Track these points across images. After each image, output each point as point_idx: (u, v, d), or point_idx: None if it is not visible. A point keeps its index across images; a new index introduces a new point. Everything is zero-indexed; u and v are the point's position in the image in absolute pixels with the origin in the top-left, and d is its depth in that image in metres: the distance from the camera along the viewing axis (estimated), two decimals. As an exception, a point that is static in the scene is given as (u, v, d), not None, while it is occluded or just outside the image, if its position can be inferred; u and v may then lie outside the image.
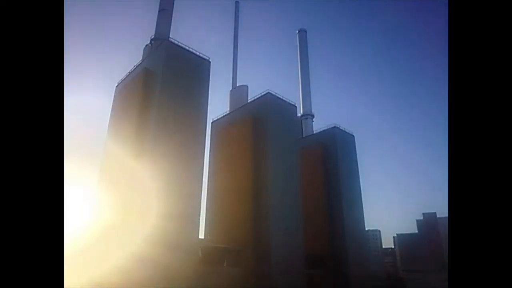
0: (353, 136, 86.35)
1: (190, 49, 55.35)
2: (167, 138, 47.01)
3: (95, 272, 35.40)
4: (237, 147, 65.26)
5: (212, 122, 74.21)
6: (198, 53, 56.07)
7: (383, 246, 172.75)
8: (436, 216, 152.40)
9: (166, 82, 50.28)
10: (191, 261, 42.92)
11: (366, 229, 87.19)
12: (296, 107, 71.93)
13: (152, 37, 61.08)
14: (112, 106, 60.52)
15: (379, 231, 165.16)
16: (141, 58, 60.88)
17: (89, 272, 35.43)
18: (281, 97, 68.03)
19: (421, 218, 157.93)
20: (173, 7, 65.15)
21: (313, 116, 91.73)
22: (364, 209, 79.22)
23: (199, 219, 48.01)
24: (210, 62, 57.08)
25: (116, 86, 62.35)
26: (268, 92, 66.44)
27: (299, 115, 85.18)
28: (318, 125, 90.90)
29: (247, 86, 76.97)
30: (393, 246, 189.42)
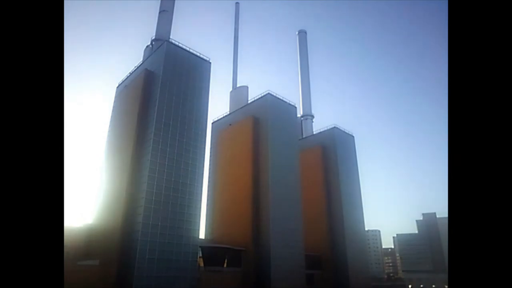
0: (353, 136, 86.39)
1: (191, 50, 55.42)
2: (167, 139, 47.13)
3: None
4: (237, 148, 65.25)
5: (212, 123, 74.20)
6: (198, 54, 56.12)
7: (383, 246, 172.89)
8: (436, 216, 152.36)
9: (166, 83, 50.29)
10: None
11: (366, 229, 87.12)
12: (296, 107, 71.89)
13: (153, 38, 61.09)
14: (113, 106, 60.56)
15: (379, 231, 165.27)
16: (141, 59, 60.92)
17: None
18: (281, 98, 68.01)
19: (421, 218, 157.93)
20: (173, 8, 65.14)
21: (313, 116, 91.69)
22: (364, 209, 79.41)
23: (199, 221, 48.14)
24: (210, 63, 57.17)
25: (117, 87, 62.38)
26: (268, 93, 66.42)
27: (299, 115, 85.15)
28: (318, 125, 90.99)
29: (247, 87, 76.94)
30: (392, 246, 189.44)
